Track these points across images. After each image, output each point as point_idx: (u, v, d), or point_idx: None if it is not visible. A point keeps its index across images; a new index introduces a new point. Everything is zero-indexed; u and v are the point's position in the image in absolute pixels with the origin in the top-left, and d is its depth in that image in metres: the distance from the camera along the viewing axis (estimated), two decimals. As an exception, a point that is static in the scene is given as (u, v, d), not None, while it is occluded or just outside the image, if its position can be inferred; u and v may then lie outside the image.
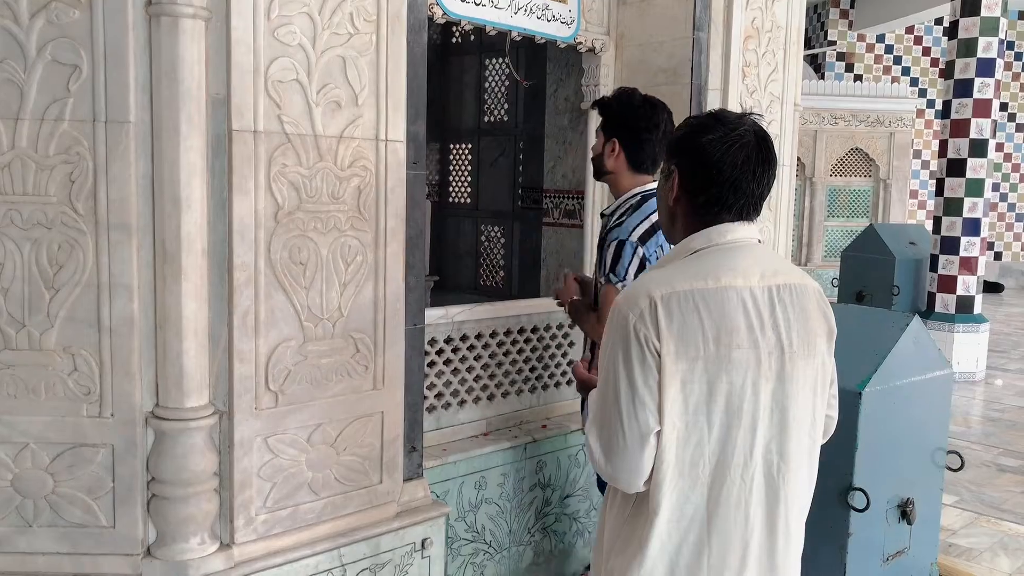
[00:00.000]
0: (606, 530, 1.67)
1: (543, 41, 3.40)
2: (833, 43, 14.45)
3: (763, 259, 1.60)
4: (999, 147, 15.56)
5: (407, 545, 2.55)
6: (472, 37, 5.25)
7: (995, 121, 7.62)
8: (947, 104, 7.72)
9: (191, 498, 2.11)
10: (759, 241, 1.65)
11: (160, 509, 2.11)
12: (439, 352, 3.15)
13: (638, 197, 2.61)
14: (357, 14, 2.28)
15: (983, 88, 7.46)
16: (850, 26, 14.74)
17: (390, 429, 2.47)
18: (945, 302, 7.78)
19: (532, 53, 4.34)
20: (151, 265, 2.05)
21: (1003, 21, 7.44)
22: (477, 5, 3.10)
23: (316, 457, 2.31)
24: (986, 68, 7.45)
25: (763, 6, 3.54)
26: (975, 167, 7.58)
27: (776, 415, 1.56)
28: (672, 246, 1.94)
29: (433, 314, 2.99)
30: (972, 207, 7.64)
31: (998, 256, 15.83)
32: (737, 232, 1.60)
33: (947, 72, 7.75)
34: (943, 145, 7.80)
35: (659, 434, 1.50)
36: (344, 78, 2.28)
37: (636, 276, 2.43)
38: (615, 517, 1.64)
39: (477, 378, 3.26)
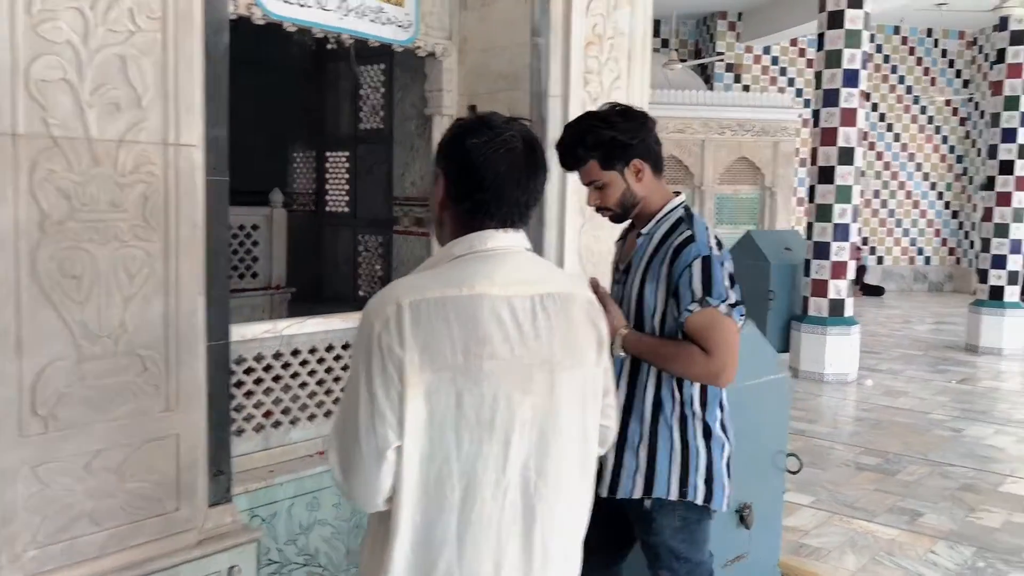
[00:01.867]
0: (364, 552, 1.57)
1: (377, 45, 3.31)
2: (721, 54, 14.80)
3: (526, 268, 1.54)
4: (879, 156, 16.22)
5: (212, 574, 2.41)
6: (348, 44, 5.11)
7: (860, 130, 7.88)
8: (816, 113, 7.95)
9: (-55, 535, 1.93)
10: (528, 250, 1.59)
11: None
12: (267, 368, 3.00)
13: (681, 209, 2.35)
14: (139, 11, 2.14)
15: (848, 98, 7.72)
16: (738, 38, 15.14)
17: (187, 453, 2.32)
18: (818, 306, 8.01)
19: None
20: None
21: (866, 34, 7.71)
22: (302, 6, 2.99)
23: (97, 485, 2.15)
24: (851, 79, 7.71)
25: (604, 12, 3.53)
26: (843, 174, 7.83)
27: (536, 430, 1.50)
28: None
29: (258, 328, 2.85)
30: (842, 213, 7.88)
31: (880, 260, 16.47)
32: (500, 240, 1.53)
33: (816, 82, 7.99)
34: (814, 153, 8.03)
35: (400, 450, 1.42)
36: (124, 78, 2.13)
37: (732, 291, 2.22)
38: (371, 539, 1.55)
39: (312, 395, 3.13)
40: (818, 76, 7.92)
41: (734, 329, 2.22)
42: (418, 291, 1.45)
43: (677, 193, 2.43)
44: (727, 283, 2.21)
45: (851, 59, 7.68)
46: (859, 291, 15.23)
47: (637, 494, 2.35)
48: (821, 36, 7.83)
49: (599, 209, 2.40)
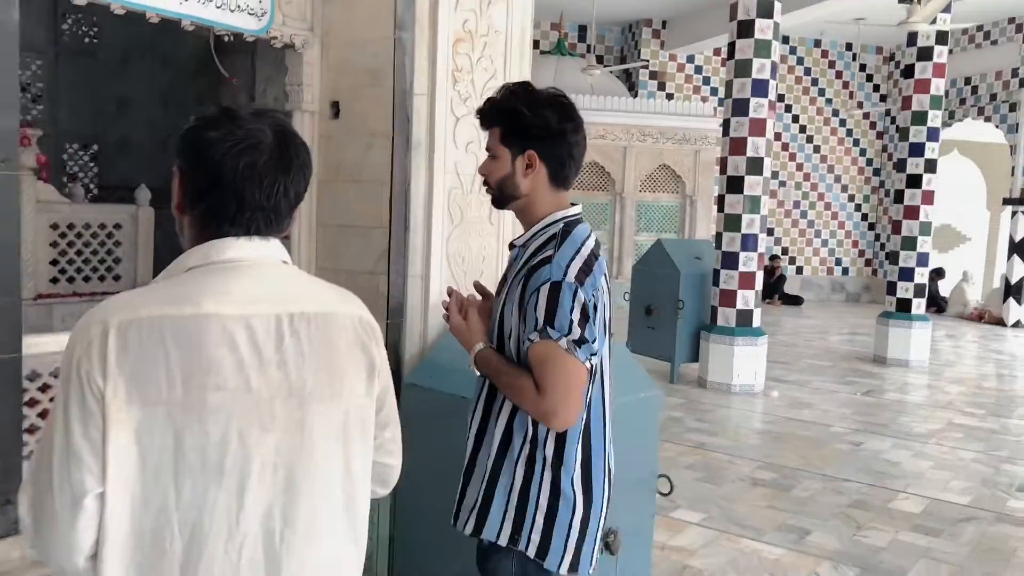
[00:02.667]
0: None
1: (224, 33, 3.07)
2: (645, 62, 14.80)
3: (274, 282, 1.33)
4: (799, 167, 16.43)
5: (-11, 618, 2.14)
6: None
7: (769, 141, 7.86)
8: (727, 123, 7.91)
9: None
10: (285, 262, 1.38)
11: None
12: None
13: (562, 223, 2.07)
14: None
15: (758, 108, 7.69)
16: (662, 46, 15.18)
17: (-42, 481, 2.06)
18: (726, 316, 7.96)
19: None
20: None
21: (776, 44, 7.70)
22: (133, -12, 2.74)
23: None
24: (760, 89, 7.68)
25: (477, 8, 3.34)
26: (752, 184, 7.80)
27: (281, 472, 1.29)
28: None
29: (59, 339, 2.58)
30: (750, 223, 7.85)
31: (800, 271, 16.68)
32: (242, 249, 1.32)
33: (726, 91, 7.95)
34: (723, 162, 7.99)
35: (103, 497, 1.20)
36: None
37: (582, 326, 1.93)
38: None
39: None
40: (728, 85, 7.89)
41: (574, 369, 1.94)
42: (131, 309, 1.23)
43: (574, 204, 2.16)
44: (576, 316, 1.94)
45: (761, 69, 7.65)
46: (778, 300, 15.40)
47: (468, 531, 2.13)
48: (732, 45, 7.79)
49: (485, 183, 2.16)
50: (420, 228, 3.27)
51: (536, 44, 15.44)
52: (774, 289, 15.46)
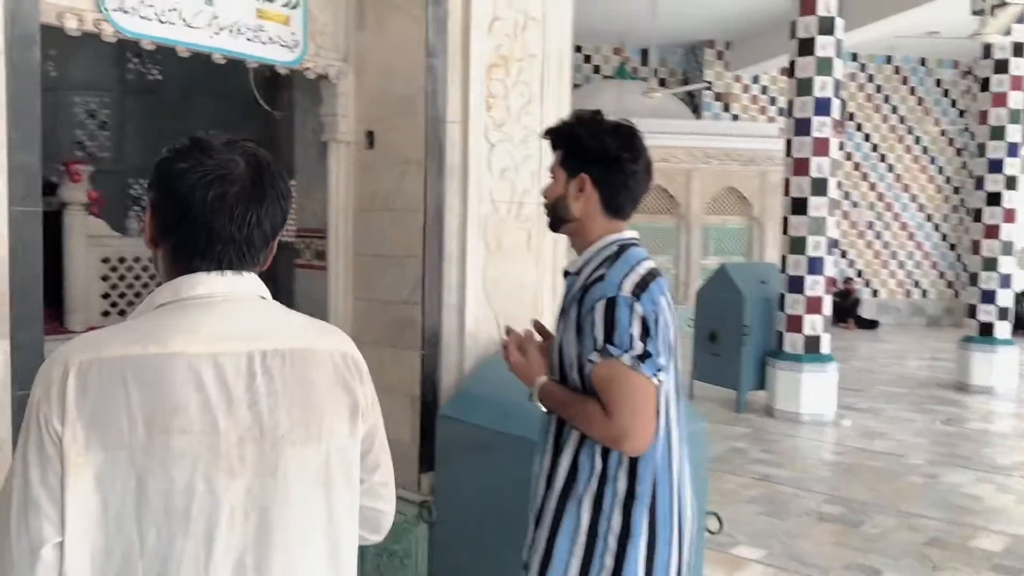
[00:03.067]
0: None
1: (256, 65, 3.07)
2: (708, 83, 14.60)
3: (247, 319, 1.26)
4: (872, 187, 15.95)
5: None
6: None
7: (834, 160, 7.61)
8: (788, 143, 7.69)
9: None
10: (263, 297, 1.32)
11: None
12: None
13: (615, 246, 2.01)
14: (-91, 22, 1.90)
15: (821, 127, 7.45)
16: (726, 67, 14.95)
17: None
18: (793, 342, 7.69)
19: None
20: None
21: (838, 62, 7.47)
22: (162, 23, 2.75)
23: None
24: (823, 107, 7.45)
25: (511, 33, 3.28)
26: (817, 206, 7.55)
27: (253, 519, 1.21)
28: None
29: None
30: (815, 245, 7.59)
31: (875, 293, 16.12)
32: (213, 284, 1.26)
33: (788, 111, 7.75)
34: (787, 184, 7.77)
35: (62, 547, 1.14)
36: None
37: (644, 340, 1.86)
38: None
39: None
40: (790, 105, 7.68)
41: (641, 385, 1.86)
42: (93, 349, 1.18)
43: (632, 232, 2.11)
44: (636, 330, 1.86)
45: (823, 87, 7.43)
46: (853, 324, 14.91)
47: None
48: (792, 64, 7.59)
49: (544, 204, 2.15)
50: (454, 257, 3.21)
51: (597, 69, 15.39)
52: (849, 312, 14.97)
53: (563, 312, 2.07)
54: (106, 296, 4.30)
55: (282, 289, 3.79)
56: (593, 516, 1.94)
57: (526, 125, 3.37)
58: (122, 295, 4.28)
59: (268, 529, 1.22)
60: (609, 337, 1.87)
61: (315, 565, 1.28)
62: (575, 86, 15.38)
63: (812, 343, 7.64)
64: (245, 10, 2.97)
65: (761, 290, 8.07)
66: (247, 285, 1.29)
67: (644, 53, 14.83)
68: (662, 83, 15.32)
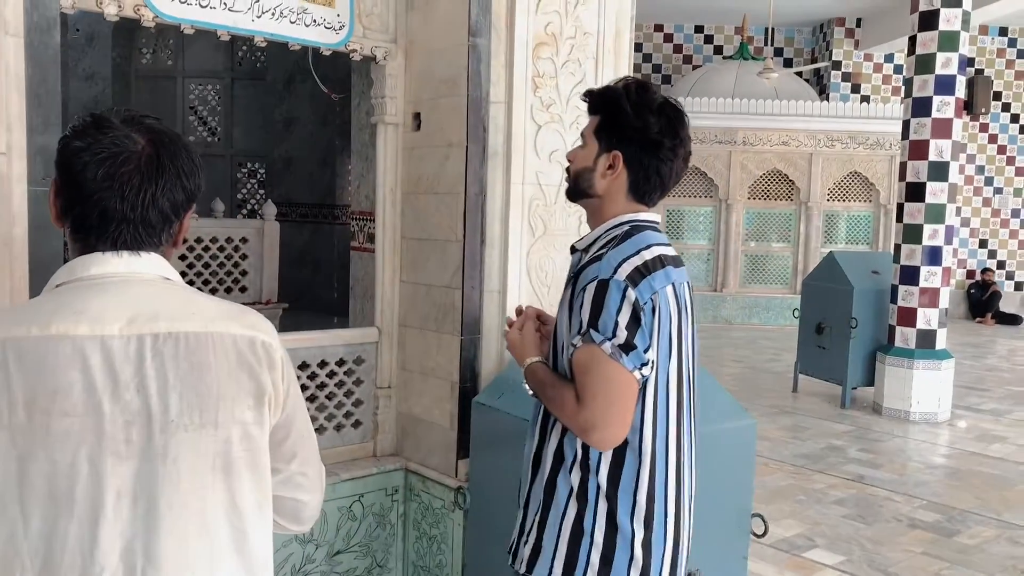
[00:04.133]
0: None
1: (299, 48, 3.08)
2: (830, 63, 13.87)
3: (142, 300, 1.24)
4: (1019, 171, 14.81)
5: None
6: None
7: (956, 143, 7.07)
8: (906, 124, 7.20)
9: None
10: (165, 279, 1.30)
11: None
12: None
13: (627, 226, 1.89)
14: (-72, 9, 2.00)
15: (943, 107, 6.94)
16: (856, 45, 14.18)
17: None
18: (905, 336, 7.23)
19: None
20: None
21: (964, 35, 6.92)
22: (202, 7, 2.80)
23: None
24: (946, 86, 6.93)
25: (561, 10, 3.17)
26: (935, 191, 7.04)
27: (141, 504, 1.20)
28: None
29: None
30: (933, 234, 7.09)
31: (1018, 286, 15.00)
32: (108, 264, 1.25)
33: (906, 90, 7.25)
34: (902, 168, 7.28)
35: None
36: (-89, 82, 1.99)
37: (630, 330, 1.75)
38: None
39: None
40: (908, 83, 7.17)
41: (618, 376, 1.74)
42: None
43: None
44: (624, 319, 1.74)
45: (946, 64, 6.90)
46: (991, 319, 13.93)
47: (521, 568, 1.94)
48: (913, 39, 7.09)
49: (567, 169, 2.04)
50: (497, 241, 3.14)
51: (719, 50, 14.91)
52: (987, 307, 13.99)
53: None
54: (183, 274, 4.48)
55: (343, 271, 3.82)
56: (579, 508, 1.85)
57: (577, 106, 3.25)
58: (198, 274, 4.44)
59: (157, 515, 1.21)
60: (594, 322, 1.76)
61: (217, 552, 1.26)
62: (693, 67, 14.97)
63: (926, 338, 7.15)
64: (288, -8, 2.99)
65: (872, 281, 7.62)
66: (146, 265, 1.27)
67: (768, 32, 14.25)
68: (788, 63, 14.69)
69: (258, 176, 7.78)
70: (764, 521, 2.95)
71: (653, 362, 1.80)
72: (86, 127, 1.25)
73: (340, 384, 3.34)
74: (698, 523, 2.77)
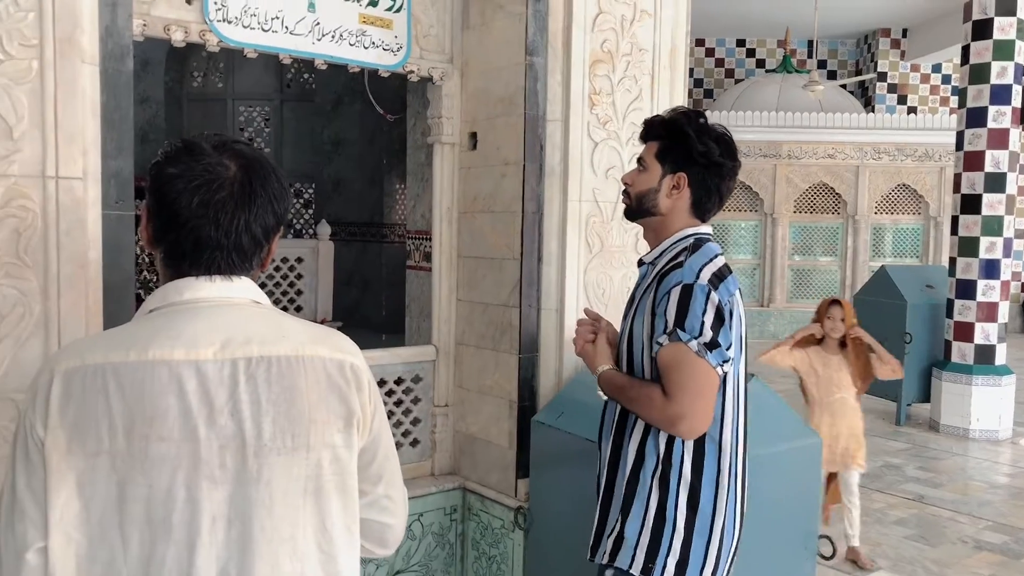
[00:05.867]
0: None
1: (357, 70, 3.11)
2: (884, 74, 13.69)
3: (234, 325, 1.25)
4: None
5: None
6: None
7: (1014, 153, 6.92)
8: (960, 135, 7.07)
9: None
10: (256, 303, 1.30)
11: None
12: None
13: (692, 239, 2.05)
14: (9, 38, 2.04)
15: (999, 117, 6.80)
16: (902, 56, 13.99)
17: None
18: (962, 351, 7.07)
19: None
20: None
21: (1019, 44, 6.79)
22: (265, 31, 2.84)
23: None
24: (1001, 96, 6.80)
25: (617, 28, 3.16)
26: (992, 203, 6.90)
27: (235, 528, 1.20)
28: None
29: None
30: (990, 247, 6.94)
31: (1077, 299, 14.60)
32: (201, 290, 1.26)
33: (960, 101, 7.12)
34: (956, 179, 7.15)
35: (46, 551, 1.17)
36: (-7, 109, 2.03)
37: (715, 329, 1.90)
38: None
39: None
40: (962, 94, 7.05)
41: (704, 371, 1.89)
42: (78, 356, 1.20)
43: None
44: (709, 319, 1.90)
45: (1001, 73, 6.77)
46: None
47: (603, 559, 2.06)
48: (966, 49, 6.97)
49: (625, 192, 2.17)
50: (554, 259, 3.13)
51: (761, 63, 14.80)
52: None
53: (631, 302, 2.12)
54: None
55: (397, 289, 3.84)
56: (660, 499, 1.98)
57: (634, 122, 3.24)
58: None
59: (251, 538, 1.21)
60: (680, 322, 1.90)
61: (307, 575, 1.26)
62: (736, 80, 14.87)
63: (985, 353, 6.99)
64: (348, 16, 3.02)
65: (926, 295, 7.47)
66: (238, 291, 1.28)
67: (811, 44, 14.13)
68: (832, 76, 14.54)
69: (305, 196, 7.86)
70: (832, 543, 2.89)
71: (732, 359, 1.95)
72: (179, 153, 1.26)
73: (399, 403, 3.35)
74: (765, 544, 2.73)
